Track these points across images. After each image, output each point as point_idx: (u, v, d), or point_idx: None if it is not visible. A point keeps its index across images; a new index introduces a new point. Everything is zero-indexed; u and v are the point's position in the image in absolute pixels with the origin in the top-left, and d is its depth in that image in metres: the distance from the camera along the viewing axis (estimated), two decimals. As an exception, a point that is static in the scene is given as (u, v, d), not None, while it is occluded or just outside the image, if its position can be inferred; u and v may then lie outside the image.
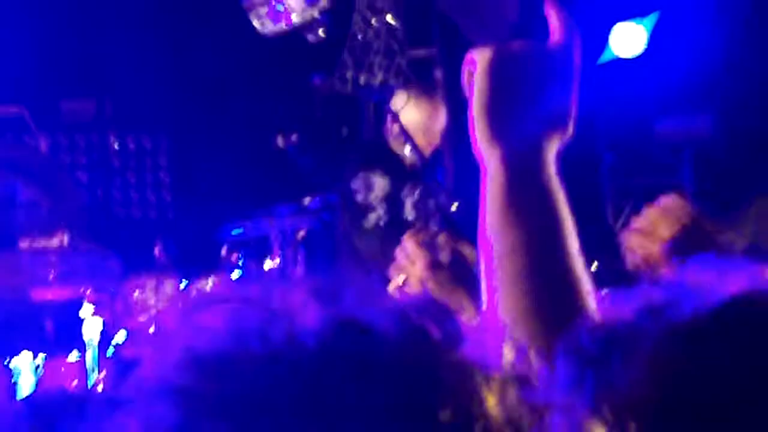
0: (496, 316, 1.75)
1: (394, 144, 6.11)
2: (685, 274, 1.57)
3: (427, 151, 5.67)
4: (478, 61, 1.84)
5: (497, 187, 1.79)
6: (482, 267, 1.81)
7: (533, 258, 1.75)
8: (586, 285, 1.78)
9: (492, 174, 1.81)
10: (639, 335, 1.42)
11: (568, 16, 1.86)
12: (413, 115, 5.74)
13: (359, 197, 6.03)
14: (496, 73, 1.83)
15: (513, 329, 1.71)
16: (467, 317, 2.54)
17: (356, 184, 6.11)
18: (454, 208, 5.38)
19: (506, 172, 1.79)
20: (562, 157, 1.84)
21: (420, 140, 5.68)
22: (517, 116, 1.82)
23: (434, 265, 2.73)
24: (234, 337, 1.10)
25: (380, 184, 5.95)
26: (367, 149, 7.54)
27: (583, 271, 1.79)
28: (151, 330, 6.77)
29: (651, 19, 8.57)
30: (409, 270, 2.75)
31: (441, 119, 5.93)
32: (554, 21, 1.85)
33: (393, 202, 5.92)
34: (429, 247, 2.79)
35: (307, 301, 1.14)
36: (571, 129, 1.86)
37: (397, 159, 6.05)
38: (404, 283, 2.76)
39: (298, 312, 1.12)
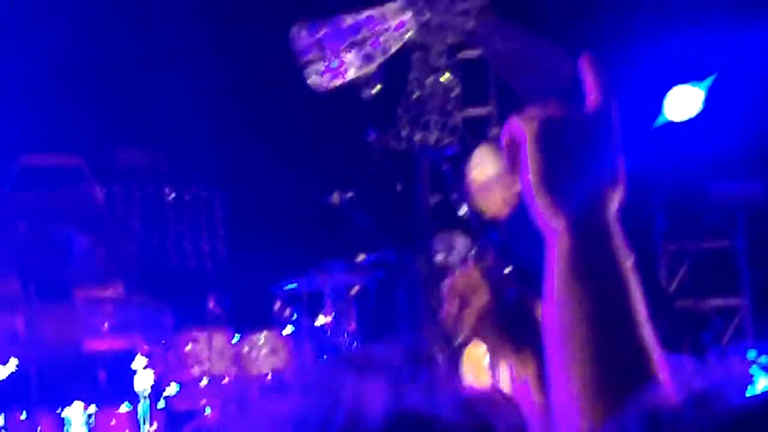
0: (565, 388, 1.77)
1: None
2: (725, 364, 1.60)
3: (503, 211, 5.56)
4: (525, 130, 1.87)
5: (564, 255, 1.81)
6: (548, 336, 1.83)
7: (603, 324, 1.77)
8: (654, 352, 1.79)
9: (558, 242, 1.83)
10: (684, 424, 1.44)
11: (603, 79, 1.89)
12: (491, 171, 5.61)
13: (440, 258, 5.96)
14: (545, 142, 1.86)
15: (581, 399, 1.73)
16: (524, 369, 2.41)
17: (437, 244, 6.05)
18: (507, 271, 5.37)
19: (572, 239, 1.81)
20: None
21: (496, 198, 5.57)
22: (572, 183, 1.85)
23: (499, 300, 2.40)
24: (297, 426, 1.14)
25: (462, 243, 5.91)
26: (442, 208, 7.56)
27: (651, 337, 1.81)
28: (204, 384, 6.81)
29: (706, 84, 8.60)
30: (469, 300, 2.42)
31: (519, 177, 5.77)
32: (590, 84, 1.89)
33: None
34: (496, 279, 2.41)
35: (373, 384, 1.17)
36: (622, 188, 1.88)
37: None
38: (460, 314, 2.48)
39: (364, 398, 1.15)
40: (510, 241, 5.85)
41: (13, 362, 6.92)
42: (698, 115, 8.64)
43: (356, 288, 7.45)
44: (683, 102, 8.69)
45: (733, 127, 8.46)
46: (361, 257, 7.50)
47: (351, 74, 8.64)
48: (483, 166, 5.36)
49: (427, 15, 8.76)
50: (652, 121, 8.67)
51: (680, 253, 8.99)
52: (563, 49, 8.93)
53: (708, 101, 8.61)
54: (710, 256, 9.16)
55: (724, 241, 9.30)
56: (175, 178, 9.05)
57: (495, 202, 5.35)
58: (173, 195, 8.79)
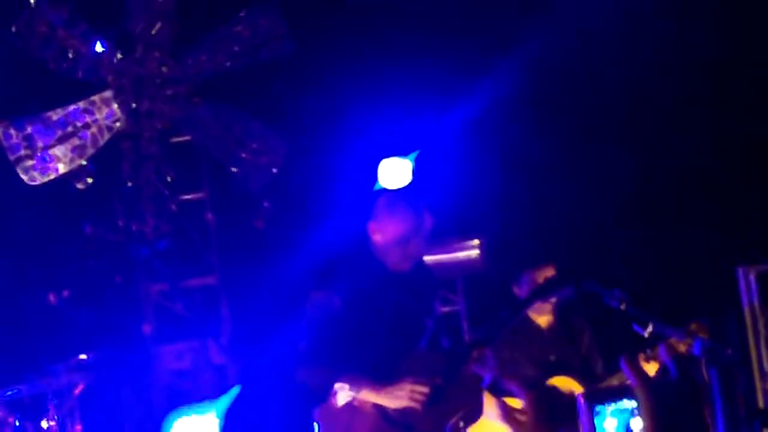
0: None
1: None
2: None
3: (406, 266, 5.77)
4: None
5: None
6: None
7: None
8: None
9: None
10: None
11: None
12: (391, 234, 5.79)
13: None
14: None
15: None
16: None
17: None
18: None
19: None
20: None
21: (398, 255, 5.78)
22: None
23: None
24: None
25: None
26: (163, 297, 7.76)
27: None
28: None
29: (412, 157, 9.24)
30: None
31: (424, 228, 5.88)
32: None
33: None
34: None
35: None
36: None
37: None
38: None
39: None
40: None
41: None
42: (409, 185, 9.25)
43: (80, 388, 7.60)
44: (394, 172, 9.29)
45: (440, 198, 9.09)
46: (82, 356, 7.66)
47: (62, 168, 8.82)
48: (385, 226, 5.65)
49: (135, 103, 9.02)
50: (370, 188, 9.21)
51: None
52: (274, 126, 9.37)
53: (416, 173, 9.24)
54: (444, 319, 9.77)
55: (447, 307, 9.97)
56: None
57: (400, 259, 5.64)
58: None
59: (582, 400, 2.39)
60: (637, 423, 2.38)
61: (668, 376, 2.31)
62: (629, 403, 2.37)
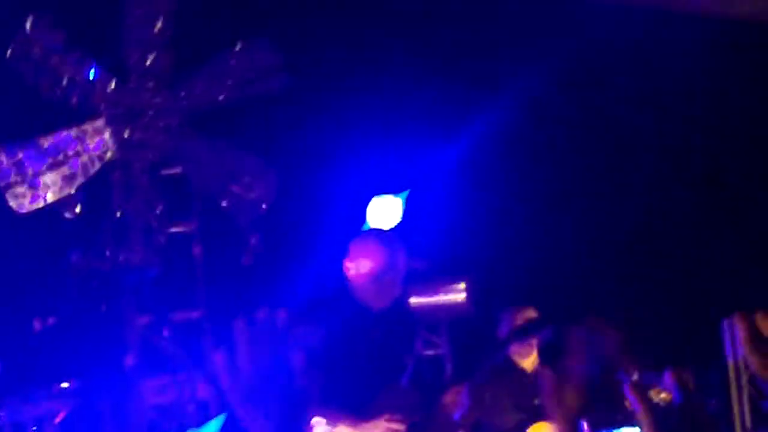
0: None
1: None
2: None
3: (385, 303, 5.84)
4: None
5: None
6: None
7: None
8: None
9: None
10: None
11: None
12: (365, 268, 5.85)
13: None
14: None
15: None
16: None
17: None
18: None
19: None
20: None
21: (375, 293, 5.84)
22: None
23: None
24: None
25: None
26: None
27: None
28: None
29: (403, 195, 9.39)
30: None
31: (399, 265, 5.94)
32: None
33: None
34: None
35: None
36: None
37: None
38: None
39: None
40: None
41: None
42: (399, 225, 9.39)
43: (61, 415, 7.68)
44: (384, 211, 9.42)
45: (429, 238, 9.22)
46: (65, 384, 7.75)
47: (51, 197, 8.92)
48: (358, 264, 5.77)
49: (127, 132, 9.13)
50: (358, 229, 9.32)
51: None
52: (265, 160, 9.48)
53: (406, 212, 9.39)
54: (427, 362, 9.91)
55: (431, 350, 10.10)
56: None
57: (375, 296, 5.76)
58: None
59: (586, 427, 2.48)
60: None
61: (672, 404, 2.37)
62: (632, 431, 2.44)
